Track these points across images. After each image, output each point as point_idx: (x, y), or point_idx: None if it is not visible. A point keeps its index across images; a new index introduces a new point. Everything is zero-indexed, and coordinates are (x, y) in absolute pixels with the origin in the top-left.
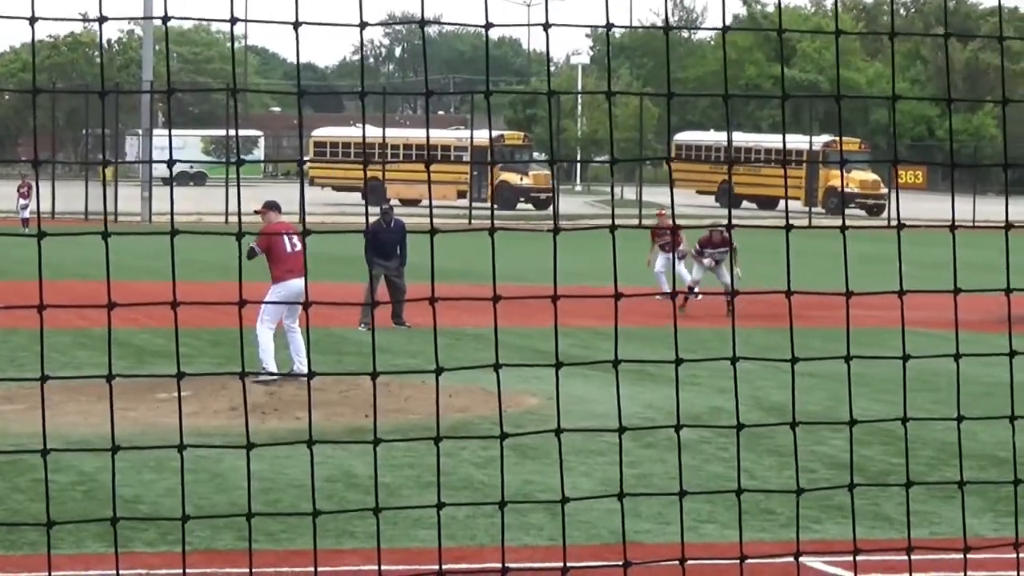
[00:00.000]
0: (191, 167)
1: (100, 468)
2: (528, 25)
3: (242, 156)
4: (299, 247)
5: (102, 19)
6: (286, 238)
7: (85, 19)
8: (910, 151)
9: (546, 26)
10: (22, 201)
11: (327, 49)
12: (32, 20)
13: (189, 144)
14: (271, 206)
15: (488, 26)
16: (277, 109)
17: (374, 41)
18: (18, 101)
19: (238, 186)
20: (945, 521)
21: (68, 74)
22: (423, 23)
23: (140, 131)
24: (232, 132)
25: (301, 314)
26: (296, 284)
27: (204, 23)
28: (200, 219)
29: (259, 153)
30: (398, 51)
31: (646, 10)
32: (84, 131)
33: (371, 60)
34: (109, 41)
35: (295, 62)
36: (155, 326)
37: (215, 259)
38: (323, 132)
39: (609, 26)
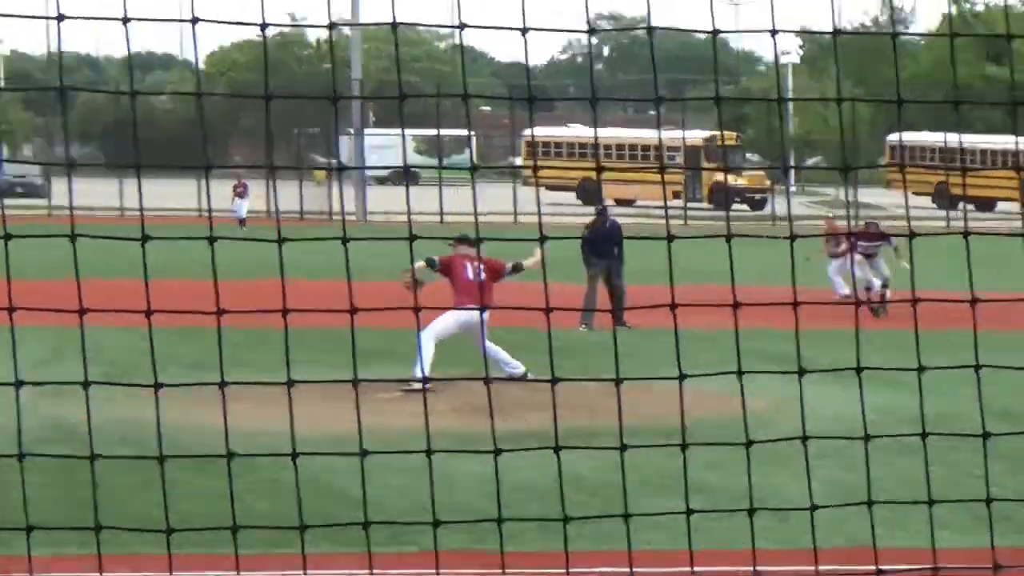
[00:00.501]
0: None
1: (325, 468)
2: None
3: (451, 156)
4: (481, 276)
5: (264, 25)
6: (468, 264)
7: (255, 24)
8: None
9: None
10: (238, 201)
11: (535, 48)
12: (193, 22)
13: (399, 143)
14: (462, 240)
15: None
16: (487, 108)
17: (581, 40)
18: (230, 103)
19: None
20: None
21: (276, 73)
22: (590, 32)
23: (352, 130)
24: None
25: (487, 325)
26: (471, 315)
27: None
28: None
29: (468, 153)
30: (606, 50)
31: (858, 11)
32: (296, 131)
33: (579, 60)
34: (318, 40)
35: (505, 61)
36: (373, 327)
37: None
38: (536, 132)
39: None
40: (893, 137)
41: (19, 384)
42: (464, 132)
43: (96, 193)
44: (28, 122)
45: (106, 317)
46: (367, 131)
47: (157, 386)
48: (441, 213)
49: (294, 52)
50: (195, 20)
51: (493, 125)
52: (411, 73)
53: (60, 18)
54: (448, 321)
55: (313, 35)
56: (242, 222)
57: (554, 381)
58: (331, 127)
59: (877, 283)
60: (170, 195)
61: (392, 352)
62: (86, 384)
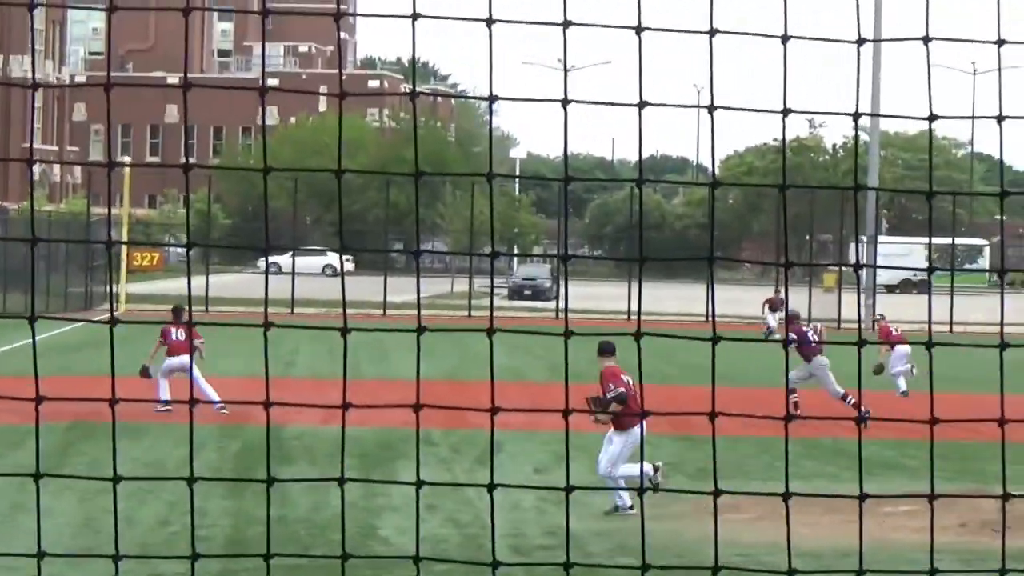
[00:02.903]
0: (914, 275)
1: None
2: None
3: (966, 264)
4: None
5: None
6: (629, 379)
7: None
8: None
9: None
10: (769, 314)
11: None
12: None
13: (914, 252)
14: (605, 350)
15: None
16: (1005, 217)
17: None
18: (746, 206)
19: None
20: None
21: (793, 178)
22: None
23: (865, 238)
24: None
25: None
26: (637, 431)
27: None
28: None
29: (983, 262)
30: None
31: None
32: (808, 236)
33: None
34: (834, 145)
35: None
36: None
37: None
38: None
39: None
40: None
41: None
42: (980, 241)
43: (604, 296)
44: (539, 225)
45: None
46: (881, 239)
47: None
48: (951, 323)
49: (811, 158)
50: (713, 108)
51: (1011, 234)
52: (933, 181)
53: (565, 101)
54: (619, 450)
55: (830, 141)
56: (770, 332)
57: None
58: (844, 234)
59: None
60: (676, 298)
61: (899, 465)
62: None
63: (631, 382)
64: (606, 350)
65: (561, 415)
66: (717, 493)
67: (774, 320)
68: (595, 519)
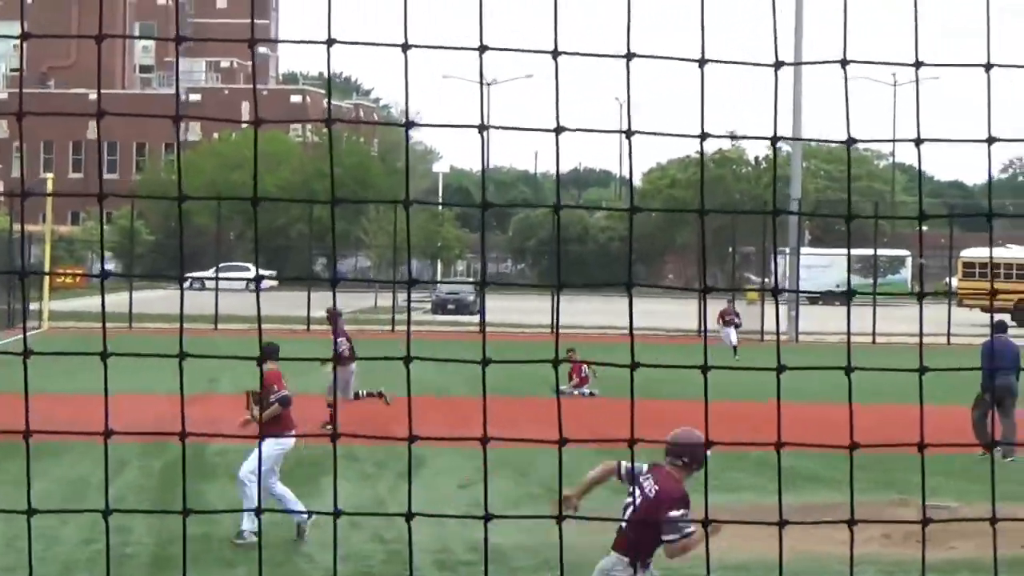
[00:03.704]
0: (836, 286)
1: None
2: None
3: (888, 276)
4: None
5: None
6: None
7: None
8: None
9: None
10: (725, 329)
11: (974, 167)
12: (629, 133)
13: (835, 263)
14: (269, 352)
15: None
16: (925, 227)
17: (1023, 159)
18: (667, 219)
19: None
20: None
21: (715, 190)
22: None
23: (787, 249)
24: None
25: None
26: (290, 442)
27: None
28: (818, 339)
29: (906, 273)
30: None
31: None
32: (730, 248)
33: (1021, 178)
34: (756, 158)
35: (944, 180)
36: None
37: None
38: (972, 252)
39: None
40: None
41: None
42: (902, 252)
43: (526, 310)
44: (462, 239)
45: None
46: (803, 251)
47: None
48: (874, 334)
49: (733, 170)
50: (631, 132)
51: (930, 245)
52: (853, 193)
53: (482, 128)
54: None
55: (752, 153)
56: (734, 349)
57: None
58: (766, 246)
59: None
60: (599, 312)
61: (822, 477)
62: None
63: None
64: (270, 352)
65: (481, 434)
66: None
67: (735, 336)
68: (520, 533)
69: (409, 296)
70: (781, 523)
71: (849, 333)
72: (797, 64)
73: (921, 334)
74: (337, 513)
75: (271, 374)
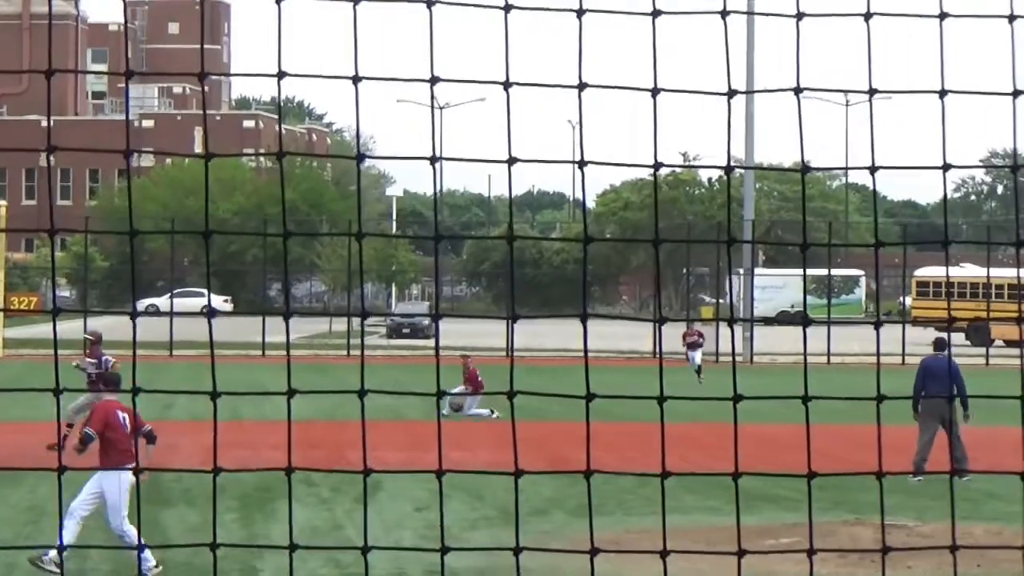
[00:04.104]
0: (791, 306)
1: None
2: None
3: (843, 296)
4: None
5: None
6: (125, 417)
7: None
8: None
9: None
10: (690, 353)
11: (927, 187)
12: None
13: (790, 284)
14: (109, 381)
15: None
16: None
17: (975, 178)
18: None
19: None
20: None
21: (669, 212)
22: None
23: (741, 270)
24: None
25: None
26: (127, 475)
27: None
28: (773, 360)
29: (860, 293)
30: (1000, 189)
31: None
32: (684, 270)
33: (973, 197)
34: (710, 179)
35: (898, 199)
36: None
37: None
38: (926, 271)
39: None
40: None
41: None
42: (856, 272)
43: (481, 333)
44: (417, 263)
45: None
46: (757, 271)
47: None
48: (828, 354)
49: (686, 191)
50: (584, 163)
51: (883, 264)
52: (808, 214)
53: (434, 160)
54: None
55: (706, 175)
56: (698, 371)
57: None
58: (720, 267)
59: None
60: (555, 334)
61: (777, 497)
62: None
63: (126, 421)
64: (109, 381)
65: (437, 455)
66: (594, 551)
67: (699, 357)
68: (475, 556)
69: (363, 329)
70: (740, 552)
71: (806, 362)
72: (750, 92)
73: (879, 362)
74: (292, 547)
75: (98, 407)
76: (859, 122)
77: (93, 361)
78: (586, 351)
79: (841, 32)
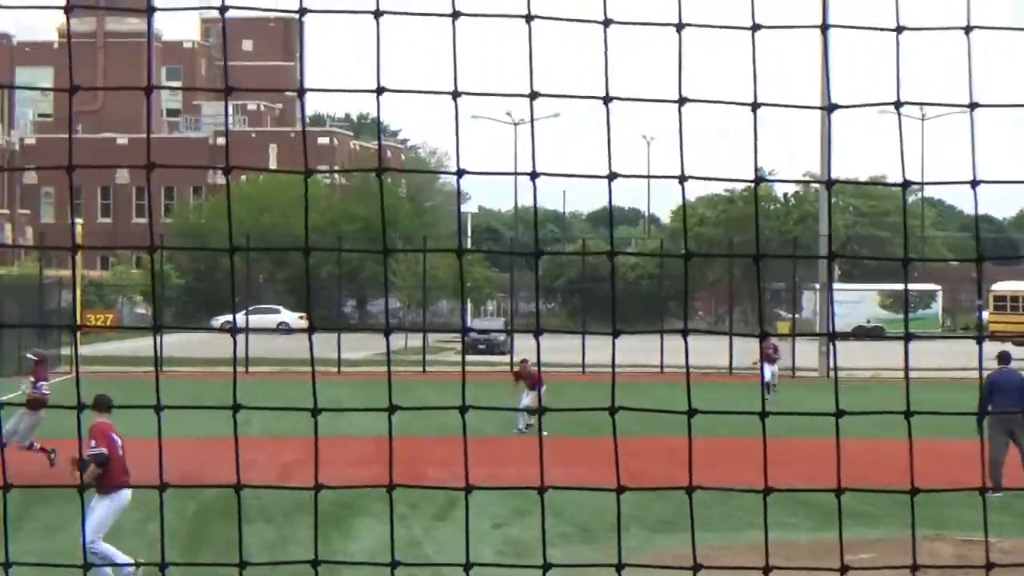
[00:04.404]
0: (867, 321)
1: None
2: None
3: (919, 310)
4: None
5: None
6: (119, 439)
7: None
8: None
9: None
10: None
11: (1004, 200)
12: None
13: (867, 298)
14: (99, 404)
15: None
16: (955, 263)
17: None
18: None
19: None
20: None
21: (745, 227)
22: None
23: (817, 286)
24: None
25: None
26: (125, 495)
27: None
28: (877, 374)
29: (937, 307)
30: None
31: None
32: (761, 285)
33: None
34: (785, 194)
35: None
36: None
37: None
38: (1003, 286)
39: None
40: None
41: None
42: (933, 286)
43: (557, 349)
44: (492, 279)
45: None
46: (835, 286)
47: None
48: (906, 368)
49: (763, 207)
50: (684, 178)
51: (960, 279)
52: (882, 228)
53: (534, 175)
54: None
55: (781, 190)
56: (768, 388)
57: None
58: (796, 282)
59: None
60: (628, 349)
61: (858, 512)
62: None
63: (120, 442)
64: (100, 404)
65: (518, 470)
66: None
67: (773, 374)
68: (555, 572)
69: (463, 345)
70: (843, 568)
71: (907, 378)
72: (851, 107)
73: (980, 379)
74: (316, 562)
75: (94, 428)
76: (932, 136)
77: (33, 381)
78: (687, 368)
79: (922, 44)
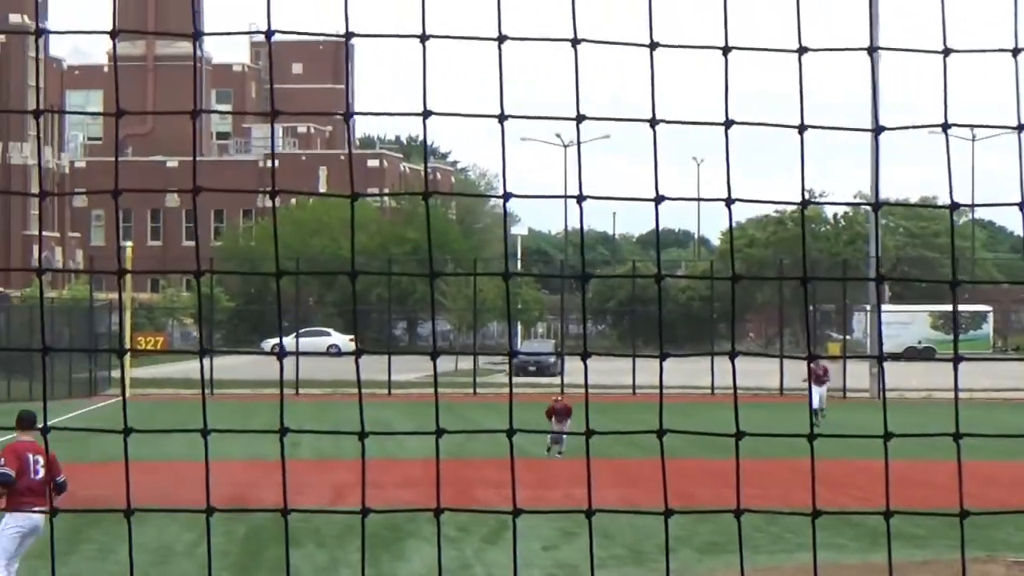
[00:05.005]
0: (918, 342)
1: None
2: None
3: (970, 331)
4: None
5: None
6: (36, 458)
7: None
8: None
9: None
10: (815, 387)
11: None
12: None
13: (918, 319)
14: (21, 420)
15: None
16: (1006, 285)
17: None
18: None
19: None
20: None
21: (794, 249)
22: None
23: (868, 307)
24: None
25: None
26: (37, 518)
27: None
28: (929, 395)
29: (988, 328)
30: None
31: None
32: (810, 307)
33: None
34: (835, 215)
35: (1022, 236)
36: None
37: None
38: None
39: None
40: None
41: None
42: (984, 307)
43: (607, 371)
44: (542, 300)
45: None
46: (884, 307)
47: None
48: (956, 389)
49: (812, 228)
50: (731, 200)
51: (1011, 300)
52: (933, 249)
53: (580, 199)
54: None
55: (830, 211)
56: (816, 412)
57: None
58: (846, 303)
59: None
60: (678, 371)
61: (905, 534)
62: None
63: (38, 462)
64: (22, 421)
65: (565, 492)
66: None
67: (822, 398)
68: None
69: (511, 367)
70: None
71: (956, 400)
72: (898, 128)
73: None
74: None
75: (8, 447)
76: (982, 157)
77: None
78: (735, 390)
79: (973, 61)
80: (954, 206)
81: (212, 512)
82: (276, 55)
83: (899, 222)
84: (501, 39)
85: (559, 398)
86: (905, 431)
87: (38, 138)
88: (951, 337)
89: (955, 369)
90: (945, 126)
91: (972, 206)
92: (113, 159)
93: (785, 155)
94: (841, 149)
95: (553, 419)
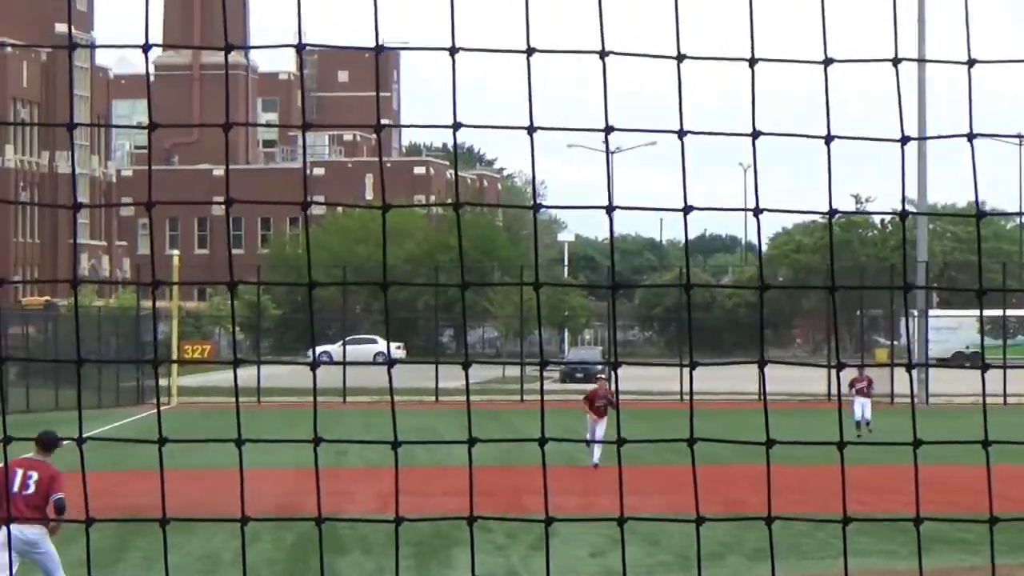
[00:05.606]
0: (966, 347)
1: None
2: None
3: (1018, 336)
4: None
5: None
6: (17, 470)
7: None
8: None
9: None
10: (859, 399)
11: None
12: (757, 211)
13: (965, 324)
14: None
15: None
16: None
17: None
18: (791, 282)
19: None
20: None
21: (841, 255)
22: None
23: (916, 312)
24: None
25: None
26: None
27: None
28: (977, 401)
29: None
30: None
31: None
32: (858, 312)
33: None
34: (882, 221)
35: None
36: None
37: None
38: None
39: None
40: None
41: None
42: None
43: (654, 377)
44: (589, 307)
45: None
46: (932, 312)
47: None
48: (1005, 395)
49: (859, 234)
50: (759, 210)
51: None
52: (987, 255)
53: (610, 209)
54: None
55: (879, 216)
56: (867, 424)
57: None
58: (891, 309)
59: None
60: (726, 377)
61: (954, 539)
62: None
63: (30, 478)
64: (39, 441)
65: (612, 499)
66: None
67: (866, 408)
68: None
69: (542, 377)
70: None
71: (984, 407)
72: (922, 139)
73: None
74: None
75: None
76: None
77: None
78: (763, 395)
79: (1010, 72)
80: (980, 215)
81: (247, 521)
82: (323, 63)
83: (946, 227)
84: (530, 51)
85: (602, 376)
86: (950, 438)
87: (71, 150)
88: (999, 342)
89: (983, 376)
90: (971, 136)
91: (1001, 214)
92: (160, 167)
93: (837, 158)
94: (884, 156)
95: (590, 413)
